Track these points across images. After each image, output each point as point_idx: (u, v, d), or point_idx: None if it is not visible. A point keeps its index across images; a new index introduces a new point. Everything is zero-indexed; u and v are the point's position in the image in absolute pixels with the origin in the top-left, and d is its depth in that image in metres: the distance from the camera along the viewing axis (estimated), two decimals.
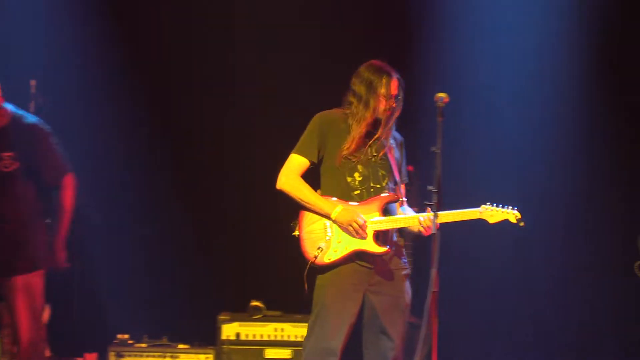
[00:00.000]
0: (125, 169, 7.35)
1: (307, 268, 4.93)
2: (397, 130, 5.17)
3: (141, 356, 6.80)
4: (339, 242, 4.96)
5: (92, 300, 7.32)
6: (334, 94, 5.11)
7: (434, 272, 4.63)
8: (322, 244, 4.96)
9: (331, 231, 4.97)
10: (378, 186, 5.06)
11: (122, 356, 6.78)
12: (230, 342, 6.73)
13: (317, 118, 5.10)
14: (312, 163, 5.05)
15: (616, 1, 7.23)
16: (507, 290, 7.24)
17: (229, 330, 6.76)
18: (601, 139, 7.27)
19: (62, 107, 6.86)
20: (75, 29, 7.21)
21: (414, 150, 5.42)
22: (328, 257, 4.95)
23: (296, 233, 5.00)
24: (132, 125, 7.35)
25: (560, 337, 7.24)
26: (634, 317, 7.12)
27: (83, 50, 7.27)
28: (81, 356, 7.03)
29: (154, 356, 6.81)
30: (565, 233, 7.29)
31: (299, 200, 5.00)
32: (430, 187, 4.80)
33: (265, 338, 6.71)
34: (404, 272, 5.08)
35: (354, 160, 5.01)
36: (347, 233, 4.96)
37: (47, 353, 6.06)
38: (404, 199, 5.18)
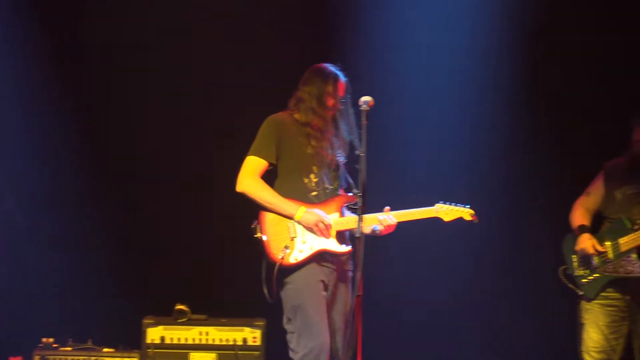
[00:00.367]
0: (49, 172, 7.26)
1: (276, 269, 4.95)
2: None
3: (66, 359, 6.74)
4: (304, 242, 5.00)
5: (17, 304, 7.24)
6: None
7: (359, 275, 4.67)
8: (288, 245, 4.97)
9: (295, 232, 5.00)
10: (332, 187, 5.15)
11: None
12: (155, 346, 6.68)
13: (272, 120, 5.15)
14: (270, 164, 5.08)
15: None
16: (435, 292, 7.28)
17: (154, 334, 6.71)
18: (535, 137, 7.28)
19: None
20: None
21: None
22: (295, 257, 4.99)
23: (259, 235, 5.00)
24: (56, 125, 7.28)
25: (483, 338, 7.30)
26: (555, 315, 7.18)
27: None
28: None
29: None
30: (497, 233, 7.29)
31: (262, 201, 5.03)
32: (355, 191, 4.85)
33: (190, 342, 6.68)
34: (351, 274, 5.17)
35: (308, 162, 5.05)
36: (313, 233, 4.98)
37: None
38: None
